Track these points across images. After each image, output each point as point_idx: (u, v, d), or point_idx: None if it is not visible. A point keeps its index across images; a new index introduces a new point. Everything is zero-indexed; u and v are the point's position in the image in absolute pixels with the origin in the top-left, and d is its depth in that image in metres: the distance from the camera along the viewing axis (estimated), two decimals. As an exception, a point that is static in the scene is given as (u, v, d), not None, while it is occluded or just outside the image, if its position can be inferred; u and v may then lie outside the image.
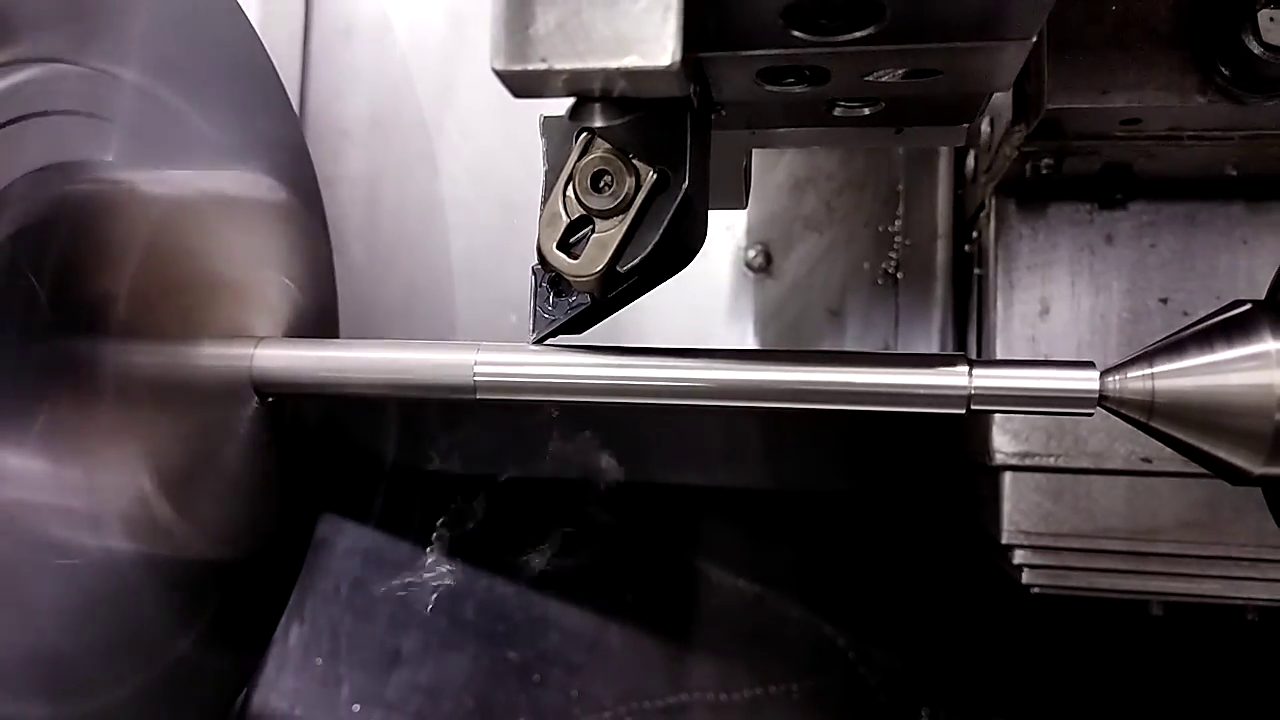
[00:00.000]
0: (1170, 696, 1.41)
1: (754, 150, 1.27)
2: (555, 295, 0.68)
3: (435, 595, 1.21)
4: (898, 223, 1.31)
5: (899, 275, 1.30)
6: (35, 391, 0.68)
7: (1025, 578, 1.13)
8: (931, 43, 0.59)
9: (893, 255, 1.31)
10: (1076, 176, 1.04)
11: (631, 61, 0.51)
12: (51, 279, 0.68)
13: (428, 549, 1.28)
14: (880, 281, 1.31)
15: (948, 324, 1.28)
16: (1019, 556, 1.12)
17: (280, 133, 1.01)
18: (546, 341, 0.73)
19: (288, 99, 1.07)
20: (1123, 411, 0.72)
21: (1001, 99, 1.00)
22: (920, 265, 1.30)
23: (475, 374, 0.74)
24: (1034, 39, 0.58)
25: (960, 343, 1.27)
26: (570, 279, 0.64)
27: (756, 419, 1.42)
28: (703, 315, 1.33)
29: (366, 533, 1.62)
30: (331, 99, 1.39)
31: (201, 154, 0.86)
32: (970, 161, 1.21)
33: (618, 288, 0.66)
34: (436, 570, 1.23)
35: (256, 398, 0.85)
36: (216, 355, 0.82)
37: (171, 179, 0.82)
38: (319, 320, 1.02)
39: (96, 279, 0.72)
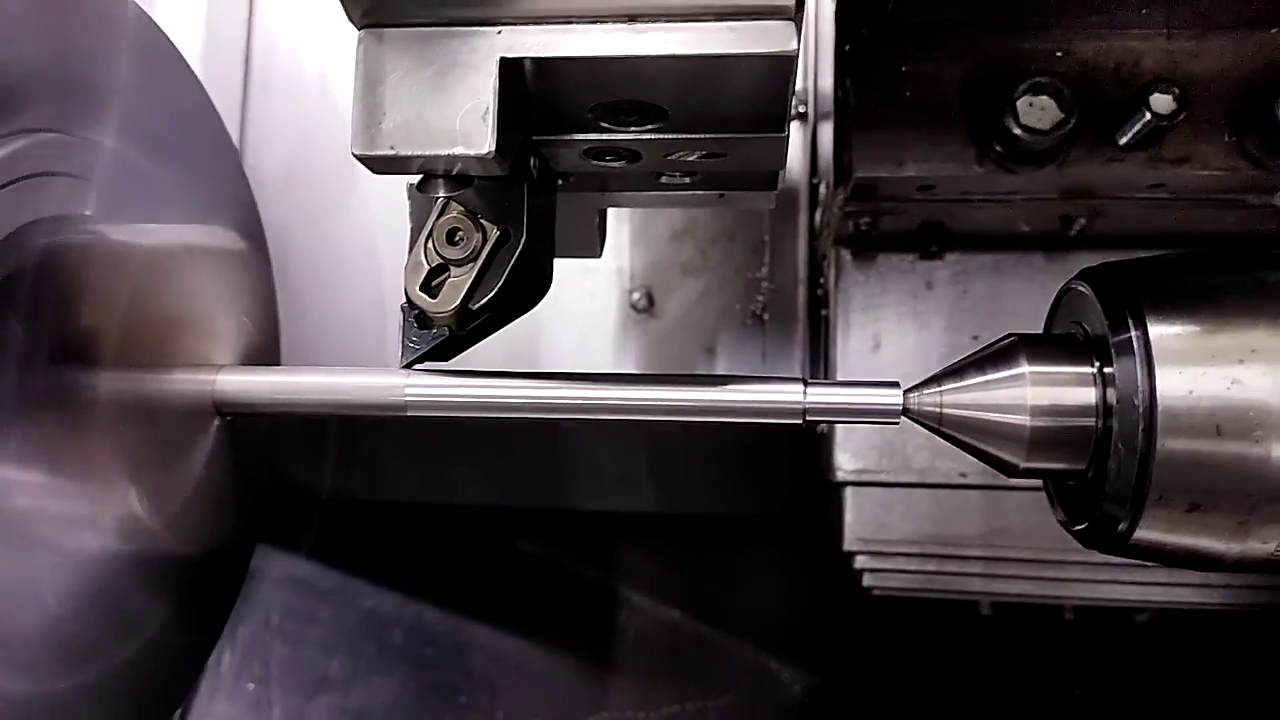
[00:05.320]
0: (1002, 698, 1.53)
1: (638, 206, 1.44)
2: (419, 329, 0.80)
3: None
4: (764, 270, 1.45)
5: (765, 316, 1.45)
6: (28, 417, 0.79)
7: (865, 580, 1.27)
8: (707, 134, 0.75)
9: (760, 299, 1.45)
10: (898, 232, 1.20)
11: (459, 150, 0.66)
12: (42, 317, 0.80)
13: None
14: (749, 322, 1.46)
15: (806, 359, 1.44)
16: (859, 561, 1.26)
17: (232, 190, 1.15)
18: (473, 372, 0.86)
19: (239, 159, 1.20)
20: (921, 421, 0.86)
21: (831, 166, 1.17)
22: (783, 308, 1.44)
23: (406, 394, 0.86)
24: (787, 133, 0.75)
25: (816, 376, 1.43)
26: (431, 315, 0.78)
27: (673, 446, 1.52)
28: (592, 350, 1.46)
29: (298, 562, 1.71)
30: (251, 152, 1.51)
31: (168, 209, 0.99)
32: (818, 217, 1.38)
33: (472, 322, 0.81)
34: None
35: (218, 417, 0.98)
36: (184, 381, 0.95)
37: (143, 231, 0.95)
38: (267, 351, 1.16)
39: (81, 317, 0.85)
